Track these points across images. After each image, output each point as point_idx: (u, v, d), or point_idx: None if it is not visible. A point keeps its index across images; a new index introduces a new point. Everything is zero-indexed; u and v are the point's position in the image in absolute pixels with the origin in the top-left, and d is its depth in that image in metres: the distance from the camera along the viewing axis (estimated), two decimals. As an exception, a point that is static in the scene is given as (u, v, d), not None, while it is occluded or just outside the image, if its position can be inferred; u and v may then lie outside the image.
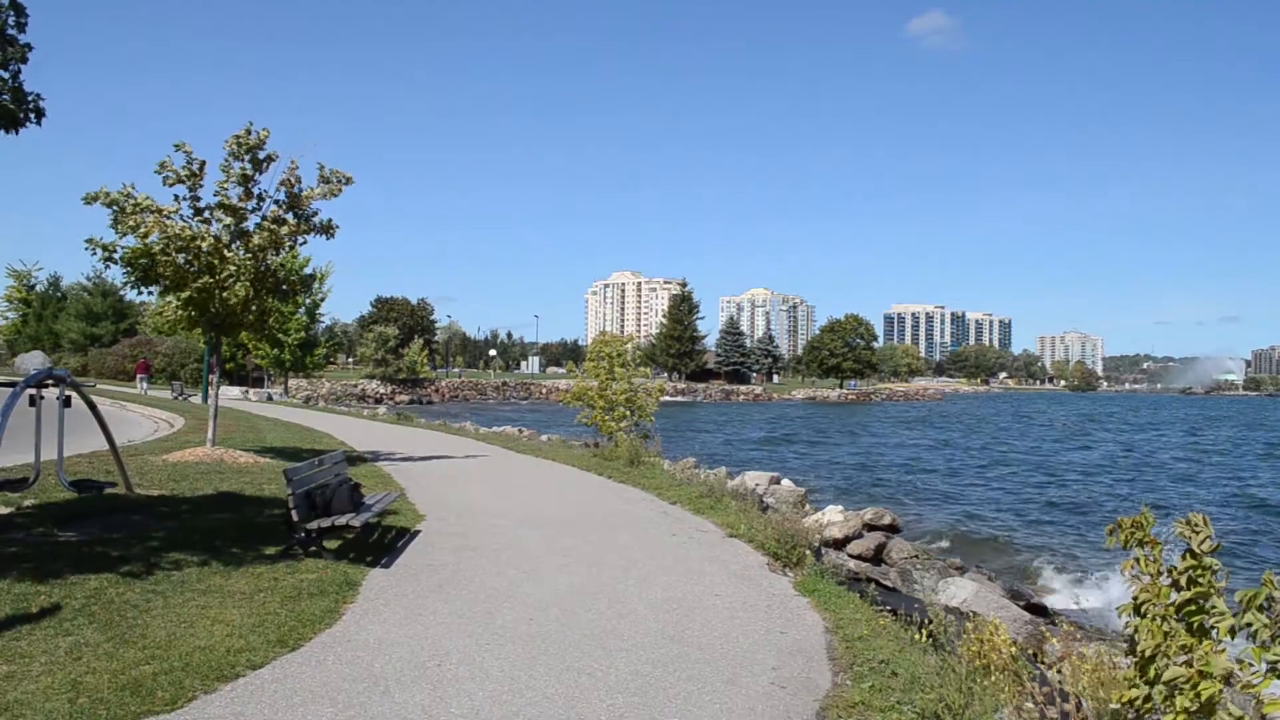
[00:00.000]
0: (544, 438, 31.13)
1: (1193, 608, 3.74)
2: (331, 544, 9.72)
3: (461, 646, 6.71)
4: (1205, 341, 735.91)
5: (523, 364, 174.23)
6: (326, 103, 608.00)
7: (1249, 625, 3.49)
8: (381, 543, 10.45)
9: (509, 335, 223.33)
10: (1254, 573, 15.42)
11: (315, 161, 17.46)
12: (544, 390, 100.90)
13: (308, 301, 56.54)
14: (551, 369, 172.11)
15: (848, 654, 6.89)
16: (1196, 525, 3.81)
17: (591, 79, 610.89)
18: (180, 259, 16.42)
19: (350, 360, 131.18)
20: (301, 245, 18.41)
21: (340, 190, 17.37)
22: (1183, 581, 3.79)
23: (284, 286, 18.42)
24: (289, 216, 17.19)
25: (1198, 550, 3.76)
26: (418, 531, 11.30)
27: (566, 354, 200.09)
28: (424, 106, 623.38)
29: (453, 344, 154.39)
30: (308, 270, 42.42)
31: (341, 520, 9.31)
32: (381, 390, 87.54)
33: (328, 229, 17.60)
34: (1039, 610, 12.92)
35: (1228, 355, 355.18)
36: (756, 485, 19.56)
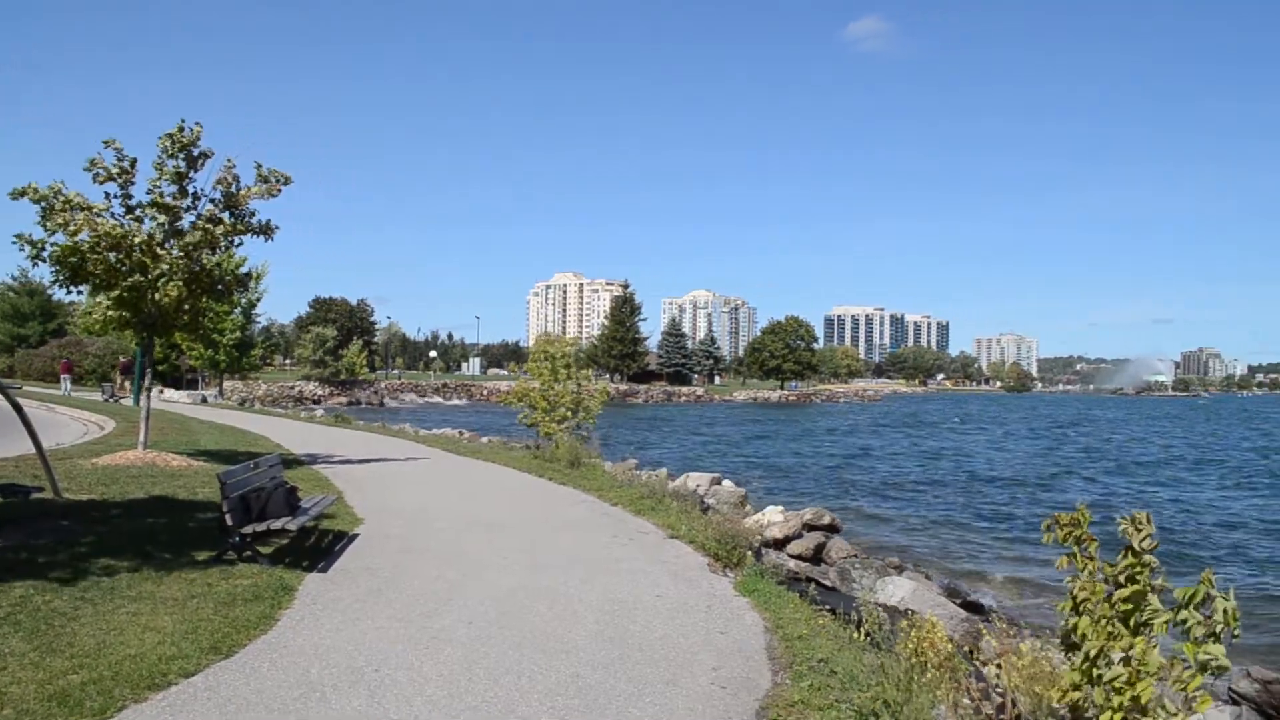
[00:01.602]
0: (484, 440, 30.90)
1: (1129, 606, 3.81)
2: (266, 548, 9.55)
3: (399, 651, 6.63)
4: (1137, 343, 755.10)
5: (464, 365, 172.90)
6: (261, 102, 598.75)
7: (1184, 622, 3.56)
8: (319, 547, 10.30)
9: (449, 336, 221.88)
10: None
11: (253, 160, 17.03)
12: (485, 391, 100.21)
13: (244, 301, 55.53)
14: (493, 370, 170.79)
15: (787, 653, 6.93)
16: (1139, 523, 3.89)
17: (531, 79, 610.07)
18: (111, 257, 16.01)
19: (288, 362, 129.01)
20: (238, 246, 18.01)
21: (279, 190, 17.00)
22: (1121, 579, 3.86)
23: (219, 286, 18.02)
24: (225, 216, 16.82)
25: (1138, 548, 3.83)
26: (356, 535, 11.15)
27: (508, 355, 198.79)
28: (361, 107, 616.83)
29: (392, 345, 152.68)
30: (244, 269, 41.52)
31: (277, 524, 9.16)
32: (320, 392, 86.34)
33: (267, 230, 17.21)
34: (975, 608, 13.13)
35: (1157, 357, 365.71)
36: (697, 486, 19.61)
